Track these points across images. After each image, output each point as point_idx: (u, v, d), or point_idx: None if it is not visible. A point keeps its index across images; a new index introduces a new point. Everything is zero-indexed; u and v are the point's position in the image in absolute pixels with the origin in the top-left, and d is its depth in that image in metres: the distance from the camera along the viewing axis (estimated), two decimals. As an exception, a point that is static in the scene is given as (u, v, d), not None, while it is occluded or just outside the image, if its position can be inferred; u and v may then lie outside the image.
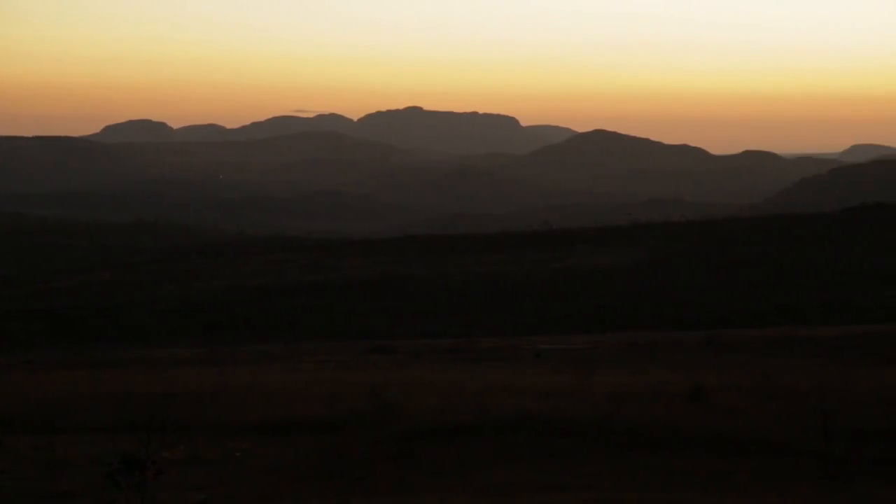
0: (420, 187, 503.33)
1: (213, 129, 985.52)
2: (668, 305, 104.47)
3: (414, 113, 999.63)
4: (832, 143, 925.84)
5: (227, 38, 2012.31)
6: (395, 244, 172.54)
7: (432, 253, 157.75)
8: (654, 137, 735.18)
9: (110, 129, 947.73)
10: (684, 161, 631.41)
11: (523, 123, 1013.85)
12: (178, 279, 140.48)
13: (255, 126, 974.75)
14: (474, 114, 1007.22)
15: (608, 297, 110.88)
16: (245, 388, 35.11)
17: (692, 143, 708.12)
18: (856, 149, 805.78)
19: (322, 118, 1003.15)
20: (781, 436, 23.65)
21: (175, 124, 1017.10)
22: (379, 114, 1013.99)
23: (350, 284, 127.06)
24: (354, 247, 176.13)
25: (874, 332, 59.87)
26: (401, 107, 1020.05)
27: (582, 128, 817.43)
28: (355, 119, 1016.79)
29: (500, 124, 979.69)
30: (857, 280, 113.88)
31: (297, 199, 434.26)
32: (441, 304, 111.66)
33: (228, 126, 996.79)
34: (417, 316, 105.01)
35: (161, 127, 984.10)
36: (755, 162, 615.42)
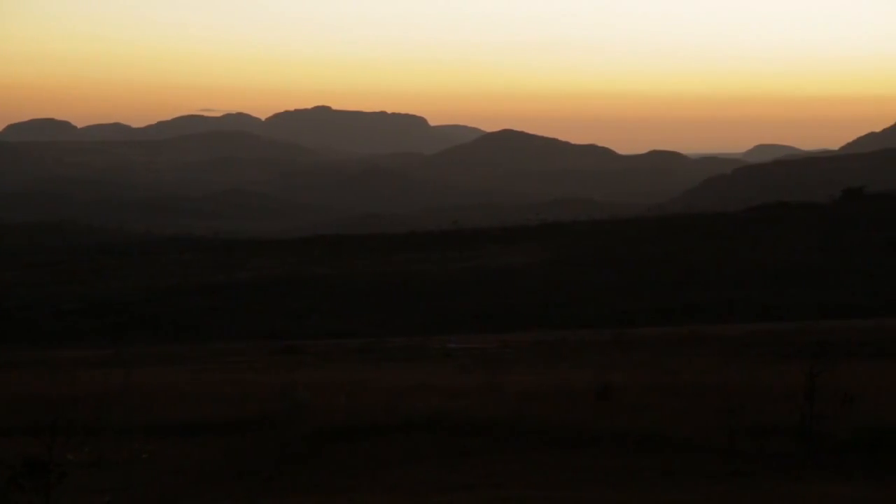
0: (328, 187, 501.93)
1: (118, 127, 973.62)
2: (575, 304, 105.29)
3: (322, 112, 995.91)
4: (736, 143, 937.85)
5: (132, 36, 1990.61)
6: (303, 244, 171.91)
7: (341, 253, 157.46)
8: (561, 137, 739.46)
9: (12, 128, 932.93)
10: (592, 161, 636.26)
11: (432, 123, 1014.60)
12: (83, 280, 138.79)
13: (162, 125, 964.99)
14: (382, 113, 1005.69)
15: (517, 296, 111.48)
16: (152, 389, 34.81)
17: (599, 143, 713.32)
18: (759, 149, 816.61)
19: (229, 117, 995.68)
20: (687, 433, 23.94)
21: (79, 123, 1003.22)
22: (287, 113, 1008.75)
23: (258, 284, 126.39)
24: (262, 246, 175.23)
25: (777, 330, 60.86)
26: (309, 106, 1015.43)
27: (490, 128, 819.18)
28: (263, 118, 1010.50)
29: (409, 124, 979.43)
30: (761, 278, 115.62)
31: (204, 199, 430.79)
32: (350, 304, 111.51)
33: (134, 125, 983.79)
34: (326, 316, 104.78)
35: (65, 126, 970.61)
36: (661, 162, 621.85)
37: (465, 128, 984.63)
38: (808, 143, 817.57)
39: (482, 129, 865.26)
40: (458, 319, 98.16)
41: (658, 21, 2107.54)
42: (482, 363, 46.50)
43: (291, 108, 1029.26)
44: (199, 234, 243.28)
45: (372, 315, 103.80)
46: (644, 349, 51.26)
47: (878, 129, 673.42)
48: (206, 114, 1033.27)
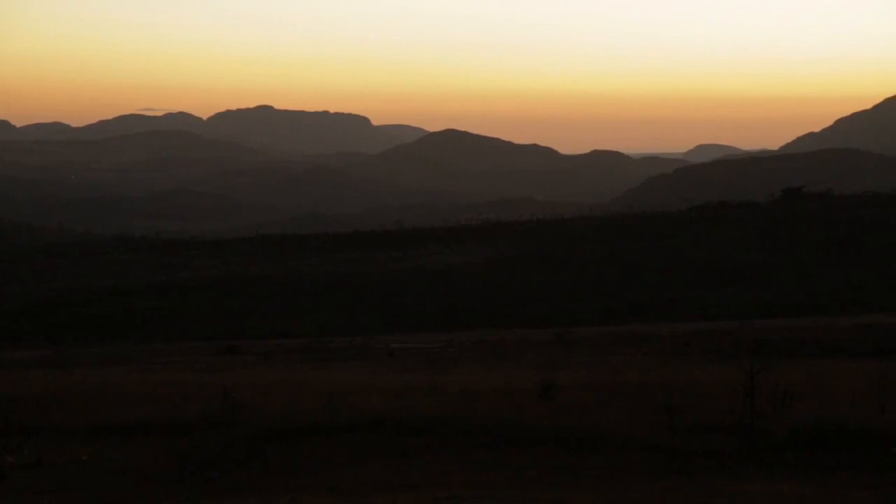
0: (271, 187, 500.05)
1: (58, 127, 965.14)
2: (518, 303, 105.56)
3: (265, 112, 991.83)
4: (677, 143, 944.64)
5: (72, 34, 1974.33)
6: (245, 244, 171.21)
7: (283, 253, 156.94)
8: (504, 137, 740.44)
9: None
10: (534, 160, 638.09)
11: (375, 123, 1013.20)
12: (21, 280, 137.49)
13: (102, 124, 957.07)
14: (326, 113, 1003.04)
15: (460, 295, 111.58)
16: (92, 390, 34.54)
17: (542, 143, 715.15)
18: (700, 149, 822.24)
19: (171, 116, 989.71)
20: (629, 431, 24.06)
21: (18, 122, 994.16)
22: (229, 112, 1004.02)
23: (200, 285, 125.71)
24: (204, 247, 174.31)
25: (717, 329, 61.37)
26: (251, 105, 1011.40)
27: (433, 127, 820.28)
28: (205, 118, 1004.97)
29: (352, 124, 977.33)
30: (701, 278, 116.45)
31: (145, 199, 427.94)
32: (292, 303, 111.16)
33: (74, 124, 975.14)
34: (268, 316, 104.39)
35: (3, 125, 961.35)
36: (603, 161, 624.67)
37: (408, 127, 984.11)
38: (749, 143, 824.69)
39: (425, 128, 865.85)
40: (402, 319, 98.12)
41: (599, 22, 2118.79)
42: (425, 363, 46.52)
43: (233, 107, 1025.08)
44: (141, 234, 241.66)
45: (315, 315, 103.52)
46: (587, 348, 51.50)
47: (816, 129, 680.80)
48: (147, 113, 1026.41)
